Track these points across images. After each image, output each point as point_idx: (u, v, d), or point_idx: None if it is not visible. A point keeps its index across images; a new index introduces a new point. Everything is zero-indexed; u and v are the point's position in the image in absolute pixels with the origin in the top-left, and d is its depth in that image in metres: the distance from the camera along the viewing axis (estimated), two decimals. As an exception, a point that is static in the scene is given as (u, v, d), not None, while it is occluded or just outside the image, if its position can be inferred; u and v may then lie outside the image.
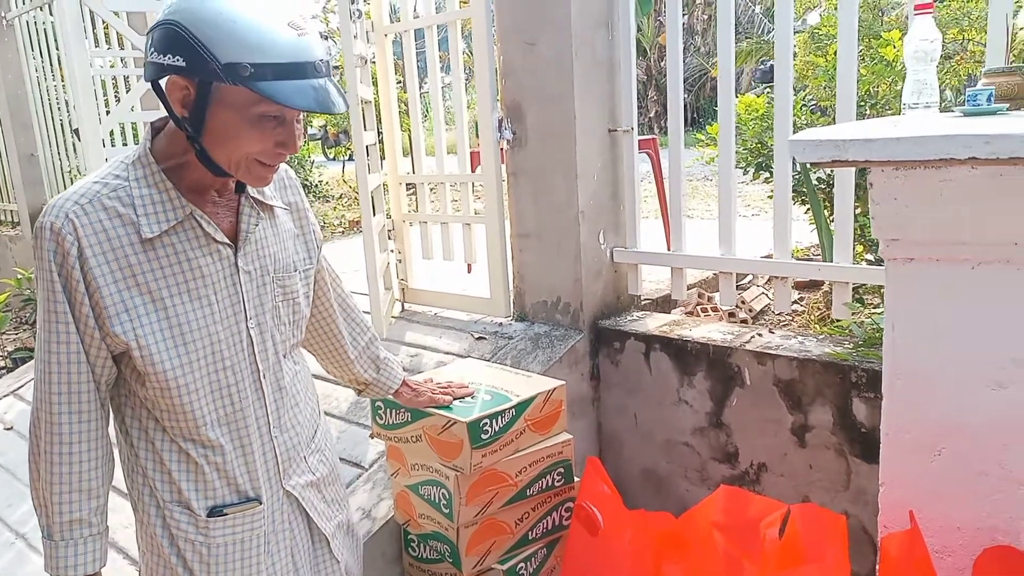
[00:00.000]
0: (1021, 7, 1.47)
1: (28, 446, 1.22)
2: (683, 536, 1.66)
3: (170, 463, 1.24)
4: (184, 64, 1.07)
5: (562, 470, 1.88)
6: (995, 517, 1.45)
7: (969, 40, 2.54)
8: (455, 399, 1.77)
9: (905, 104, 1.58)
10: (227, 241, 1.21)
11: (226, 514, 1.26)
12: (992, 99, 1.43)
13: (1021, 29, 1.51)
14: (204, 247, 1.19)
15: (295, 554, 1.35)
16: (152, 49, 1.10)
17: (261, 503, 1.28)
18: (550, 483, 1.86)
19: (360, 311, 1.60)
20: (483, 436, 1.70)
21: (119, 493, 1.32)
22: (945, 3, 2.71)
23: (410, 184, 3.31)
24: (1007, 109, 1.46)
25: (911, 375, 1.49)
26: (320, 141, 14.38)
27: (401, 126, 3.47)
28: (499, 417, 1.72)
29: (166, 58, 1.08)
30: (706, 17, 15.86)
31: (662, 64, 14.55)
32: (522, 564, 1.84)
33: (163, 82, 1.12)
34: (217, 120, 1.11)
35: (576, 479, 1.92)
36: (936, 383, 1.46)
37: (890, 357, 1.51)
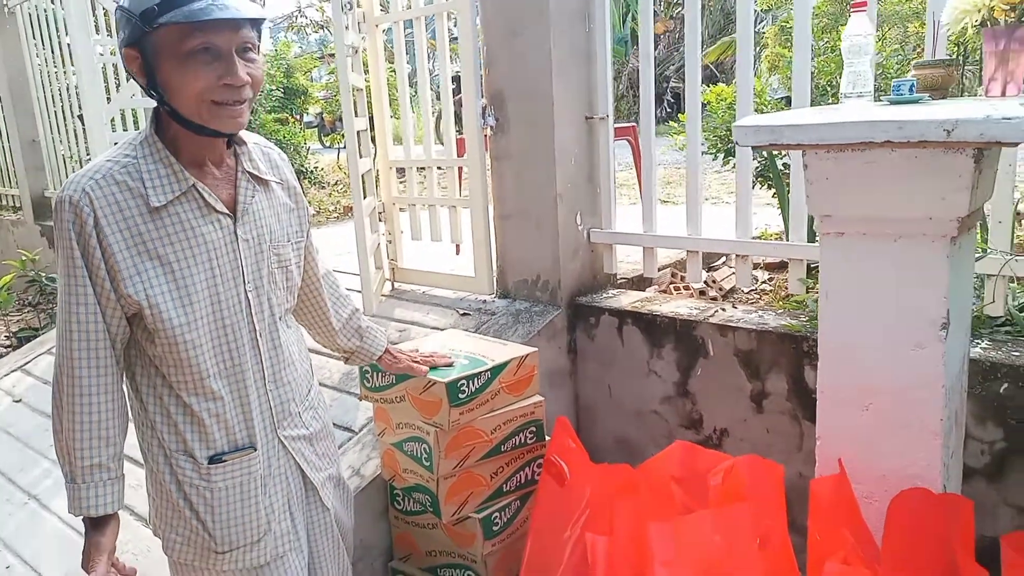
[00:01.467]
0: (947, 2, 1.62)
1: (52, 401, 1.35)
2: (640, 486, 1.83)
3: (176, 416, 1.37)
4: (124, 34, 1.25)
5: (534, 429, 2.05)
6: (915, 465, 1.61)
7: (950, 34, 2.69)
8: (433, 368, 1.91)
9: (842, 94, 1.74)
10: (227, 211, 1.35)
11: (225, 460, 1.39)
12: (914, 89, 1.58)
13: (945, 25, 1.66)
14: (206, 216, 1.33)
15: (290, 499, 1.50)
16: (117, 30, 1.28)
17: (256, 449, 1.42)
18: (523, 440, 2.03)
19: (341, 286, 1.74)
20: (460, 395, 1.87)
21: (127, 457, 1.47)
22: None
23: (400, 168, 3.47)
24: (929, 98, 1.62)
25: (842, 338, 1.65)
26: (316, 128, 14.50)
27: (392, 113, 3.62)
28: (475, 379, 1.89)
29: (119, 38, 1.27)
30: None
31: (656, 53, 14.62)
32: (497, 514, 2.02)
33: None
34: (164, 73, 1.24)
35: (547, 438, 2.09)
36: (864, 345, 1.62)
37: (824, 322, 1.67)
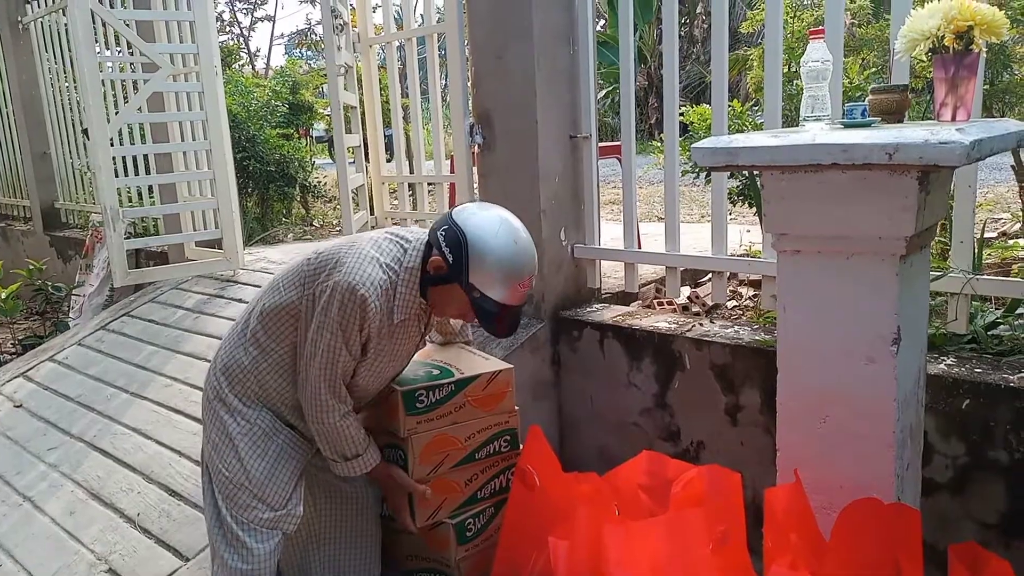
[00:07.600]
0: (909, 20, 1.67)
1: (319, 413, 1.82)
2: (607, 493, 1.89)
3: (279, 400, 1.89)
4: (451, 260, 1.71)
5: (508, 438, 2.11)
6: (869, 476, 1.66)
7: (915, 59, 2.76)
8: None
9: (802, 117, 1.81)
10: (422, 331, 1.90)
11: (297, 429, 1.91)
12: (866, 113, 1.65)
13: (897, 52, 1.73)
14: (413, 330, 1.85)
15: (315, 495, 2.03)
16: (443, 233, 1.73)
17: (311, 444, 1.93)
18: (497, 448, 2.09)
19: None
20: (418, 405, 1.94)
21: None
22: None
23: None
24: (881, 122, 1.69)
25: (800, 352, 1.70)
26: (327, 144, 14.69)
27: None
28: (436, 390, 1.95)
29: (445, 248, 1.72)
30: (706, 26, 16.10)
31: (662, 72, 14.74)
32: (471, 520, 2.07)
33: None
34: (443, 291, 1.76)
35: (522, 447, 2.15)
36: (821, 358, 1.67)
37: (782, 336, 1.73)
